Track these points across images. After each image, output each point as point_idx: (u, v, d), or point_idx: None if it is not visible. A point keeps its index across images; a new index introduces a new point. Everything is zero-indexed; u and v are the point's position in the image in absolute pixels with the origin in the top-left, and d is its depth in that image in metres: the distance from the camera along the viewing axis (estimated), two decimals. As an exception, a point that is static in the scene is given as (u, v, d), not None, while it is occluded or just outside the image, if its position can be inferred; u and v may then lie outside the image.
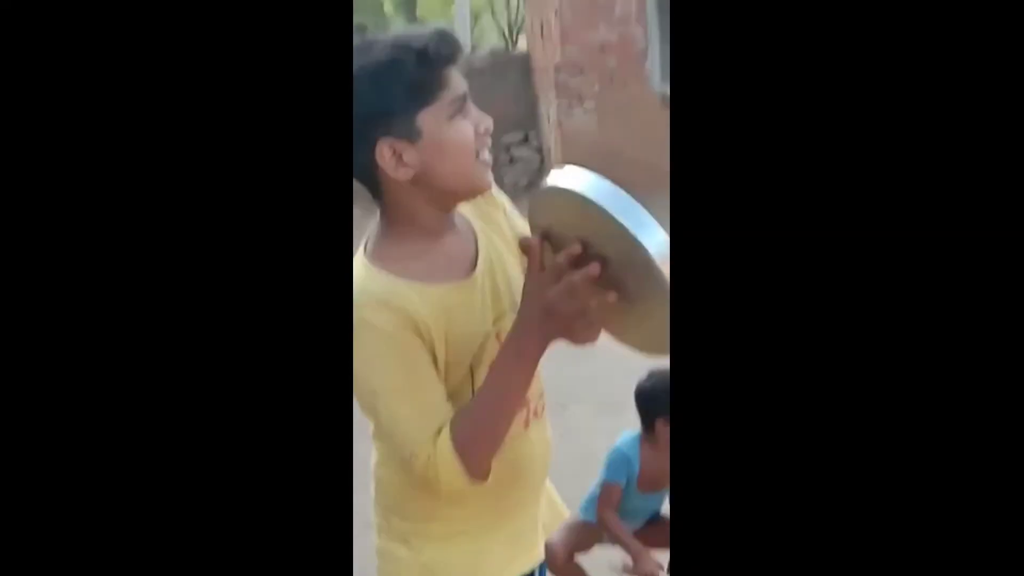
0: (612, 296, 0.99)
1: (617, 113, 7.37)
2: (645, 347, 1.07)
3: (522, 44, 13.92)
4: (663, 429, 2.17)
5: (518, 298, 1.20)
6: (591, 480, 2.30)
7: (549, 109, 8.29)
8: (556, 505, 1.43)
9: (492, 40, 20.63)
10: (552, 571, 1.89)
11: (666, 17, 6.78)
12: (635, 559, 2.17)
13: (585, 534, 2.27)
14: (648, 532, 2.31)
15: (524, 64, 9.78)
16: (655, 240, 0.94)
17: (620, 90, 7.53)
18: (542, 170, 8.98)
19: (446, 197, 1.14)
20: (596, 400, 3.53)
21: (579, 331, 1.06)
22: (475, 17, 18.81)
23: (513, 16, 18.11)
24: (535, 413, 1.25)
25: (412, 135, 1.07)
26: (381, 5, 26.22)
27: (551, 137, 8.39)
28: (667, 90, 7.01)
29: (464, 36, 12.00)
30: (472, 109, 1.12)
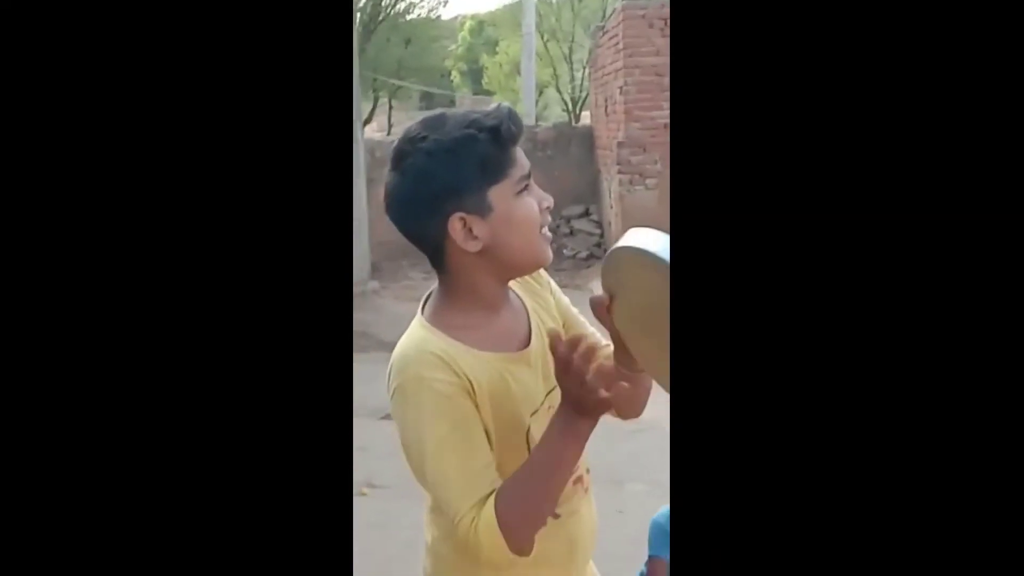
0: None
1: (678, 190, 7.41)
2: None
3: (584, 118, 14.13)
4: None
5: None
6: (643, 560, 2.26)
7: (611, 184, 8.36)
8: None
9: (555, 113, 20.97)
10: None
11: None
12: None
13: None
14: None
15: (587, 138, 9.91)
16: None
17: (682, 168, 7.58)
18: (601, 243, 9.03)
19: (510, 269, 1.18)
20: (649, 478, 3.50)
21: (611, 408, 1.10)
22: (539, 90, 19.15)
23: (577, 91, 18.42)
24: (586, 489, 1.25)
25: (483, 210, 1.11)
26: (449, 72, 26.90)
27: (611, 212, 8.44)
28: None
29: (529, 108, 12.21)
30: (535, 186, 1.17)
